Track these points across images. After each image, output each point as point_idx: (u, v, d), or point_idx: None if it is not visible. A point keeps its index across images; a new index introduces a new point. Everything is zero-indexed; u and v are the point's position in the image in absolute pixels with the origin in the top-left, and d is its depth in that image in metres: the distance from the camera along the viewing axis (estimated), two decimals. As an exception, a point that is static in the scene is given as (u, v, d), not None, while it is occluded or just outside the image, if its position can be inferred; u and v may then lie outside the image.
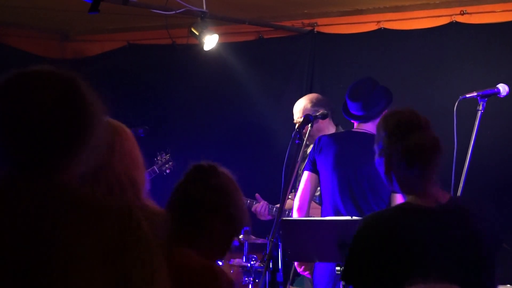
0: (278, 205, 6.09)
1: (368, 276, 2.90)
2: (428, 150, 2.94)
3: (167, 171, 6.81)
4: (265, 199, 6.28)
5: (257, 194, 6.19)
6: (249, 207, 6.04)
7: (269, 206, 6.16)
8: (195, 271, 2.73)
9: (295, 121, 6.08)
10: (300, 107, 6.09)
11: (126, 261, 1.97)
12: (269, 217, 6.12)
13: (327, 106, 6.05)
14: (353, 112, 5.25)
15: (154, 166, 6.72)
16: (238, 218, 2.88)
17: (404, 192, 3.03)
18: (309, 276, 5.45)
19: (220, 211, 2.81)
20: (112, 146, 3.17)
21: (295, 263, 5.31)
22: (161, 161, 6.80)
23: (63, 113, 2.13)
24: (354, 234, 2.97)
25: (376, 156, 3.07)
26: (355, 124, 5.31)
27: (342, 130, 5.80)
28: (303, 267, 5.30)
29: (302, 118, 5.06)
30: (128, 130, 3.25)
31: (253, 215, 6.14)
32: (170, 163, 6.84)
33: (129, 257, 1.98)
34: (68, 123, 2.12)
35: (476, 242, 2.97)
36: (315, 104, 6.05)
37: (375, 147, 3.07)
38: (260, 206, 6.15)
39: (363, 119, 5.22)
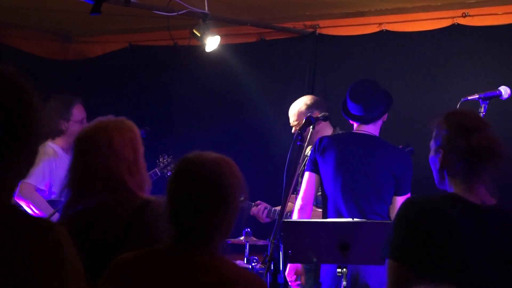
0: (277, 207, 6.12)
1: (414, 251, 2.87)
2: (489, 151, 2.97)
3: (169, 173, 6.80)
4: (266, 200, 6.28)
5: (258, 201, 6.19)
6: (248, 210, 6.04)
7: (267, 209, 6.16)
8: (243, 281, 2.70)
9: (291, 124, 6.09)
10: (295, 110, 6.10)
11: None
12: (268, 220, 6.12)
13: (322, 108, 6.06)
14: (354, 112, 5.25)
15: (156, 169, 6.71)
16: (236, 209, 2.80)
17: (452, 187, 3.03)
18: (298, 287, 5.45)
19: (216, 208, 2.74)
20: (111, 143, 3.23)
21: (287, 273, 5.30)
22: (163, 163, 6.80)
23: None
24: (399, 213, 2.95)
25: (432, 153, 3.09)
26: (355, 125, 5.30)
27: (340, 132, 5.78)
28: (294, 277, 5.30)
29: (304, 120, 5.04)
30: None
31: (252, 217, 6.14)
32: (172, 165, 6.82)
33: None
34: (6, 120, 1.95)
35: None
36: (310, 106, 6.06)
37: (432, 143, 3.09)
38: (258, 210, 6.14)
39: (364, 121, 5.21)
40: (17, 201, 6.13)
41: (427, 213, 2.89)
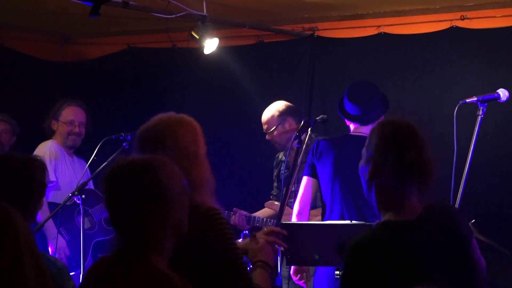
0: (256, 214, 6.17)
1: None
2: (422, 169, 2.91)
3: None
4: (262, 203, 6.31)
5: (234, 208, 6.19)
6: (228, 219, 6.04)
7: (246, 217, 6.16)
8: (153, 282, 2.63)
9: (264, 131, 6.13)
10: (268, 117, 6.13)
11: None
12: (247, 227, 6.11)
13: (295, 114, 6.09)
14: (352, 113, 5.25)
15: None
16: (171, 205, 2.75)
17: (379, 204, 2.98)
18: (304, 286, 5.45)
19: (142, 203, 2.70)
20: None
21: (291, 272, 5.30)
22: None
23: None
24: (346, 262, 2.87)
25: (362, 162, 3.04)
26: (352, 127, 5.30)
27: (314, 136, 5.74)
28: (299, 275, 5.30)
29: (303, 122, 5.04)
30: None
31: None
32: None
33: None
34: None
35: (461, 244, 2.98)
36: (282, 113, 6.10)
37: (364, 152, 3.03)
38: (237, 218, 6.14)
39: (362, 122, 5.21)
40: None
41: (380, 256, 2.80)
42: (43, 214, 6.01)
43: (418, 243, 2.86)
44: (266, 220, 6.10)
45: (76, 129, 6.56)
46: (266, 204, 6.31)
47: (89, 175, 6.23)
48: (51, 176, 6.32)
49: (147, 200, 2.68)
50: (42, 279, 2.04)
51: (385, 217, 2.95)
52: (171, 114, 3.51)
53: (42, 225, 5.68)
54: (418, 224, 2.90)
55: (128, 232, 2.70)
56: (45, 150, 6.43)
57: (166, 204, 2.71)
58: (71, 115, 6.58)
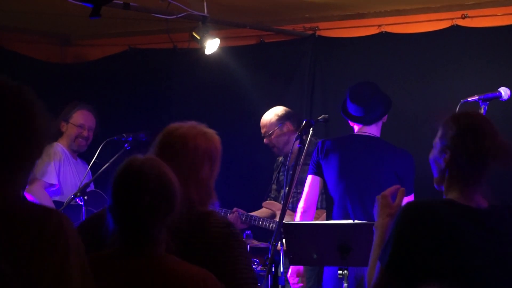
0: (253, 213, 6.18)
1: (413, 264, 2.83)
2: (499, 154, 2.96)
3: None
4: (261, 203, 6.33)
5: (235, 208, 6.22)
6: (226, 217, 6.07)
7: (244, 217, 6.17)
8: (191, 277, 2.72)
9: (262, 135, 6.15)
10: (266, 121, 6.18)
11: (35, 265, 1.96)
12: (242, 226, 6.14)
13: (293, 118, 6.14)
14: (355, 114, 5.25)
15: None
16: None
17: (448, 188, 3.02)
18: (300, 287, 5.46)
19: (160, 213, 2.77)
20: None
21: (289, 274, 5.30)
22: None
23: (3, 124, 2.11)
24: (398, 217, 2.89)
25: (435, 153, 3.05)
26: (356, 127, 5.31)
27: (315, 141, 5.73)
28: (296, 279, 5.30)
29: (304, 122, 5.04)
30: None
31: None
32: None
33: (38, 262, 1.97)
34: (8, 135, 2.11)
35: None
36: (280, 117, 6.16)
37: (437, 142, 3.05)
38: (234, 217, 6.16)
39: (366, 122, 5.22)
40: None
41: (426, 219, 2.85)
42: None
43: (468, 228, 2.89)
44: (264, 220, 6.11)
45: (85, 133, 6.56)
46: (264, 204, 6.33)
47: (91, 176, 6.22)
48: (54, 179, 6.33)
49: (167, 213, 2.78)
50: (87, 282, 2.09)
51: (450, 196, 2.99)
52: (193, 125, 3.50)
53: None
54: (477, 213, 2.94)
55: (142, 237, 2.77)
56: (50, 151, 6.44)
57: (170, 208, 2.79)
58: (81, 119, 6.59)
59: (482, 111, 4.74)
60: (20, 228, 1.99)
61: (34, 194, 6.20)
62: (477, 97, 4.77)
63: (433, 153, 3.06)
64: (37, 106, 2.20)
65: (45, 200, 6.17)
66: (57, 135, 6.57)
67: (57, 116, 6.49)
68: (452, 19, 6.84)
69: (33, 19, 7.60)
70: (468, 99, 4.79)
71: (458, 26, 6.80)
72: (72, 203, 5.78)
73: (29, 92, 2.23)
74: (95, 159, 5.96)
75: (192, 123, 3.47)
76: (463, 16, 6.79)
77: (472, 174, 2.96)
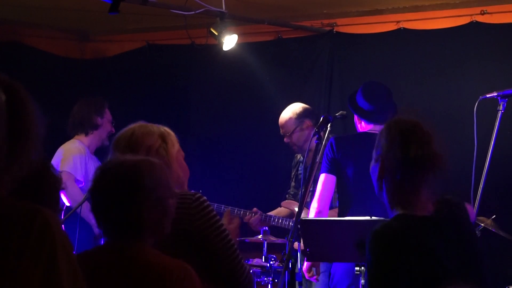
0: (270, 213, 6.17)
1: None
2: (428, 163, 2.94)
3: None
4: (279, 202, 6.32)
5: (255, 209, 6.20)
6: (242, 217, 6.04)
7: (261, 217, 6.16)
8: (168, 270, 2.75)
9: (281, 133, 6.13)
10: (285, 120, 6.13)
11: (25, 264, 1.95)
12: (262, 226, 6.11)
13: (312, 116, 6.09)
14: (368, 110, 5.24)
15: None
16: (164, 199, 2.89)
17: (390, 202, 3.04)
18: (315, 281, 5.45)
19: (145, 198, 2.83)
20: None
21: (304, 268, 5.29)
22: None
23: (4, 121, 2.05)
24: (369, 249, 2.96)
25: (372, 162, 3.09)
26: (365, 124, 5.28)
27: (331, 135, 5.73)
28: (311, 272, 5.30)
29: (322, 118, 5.03)
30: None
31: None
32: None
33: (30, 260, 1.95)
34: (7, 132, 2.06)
35: (471, 239, 3.05)
36: (299, 115, 6.11)
37: (373, 152, 3.09)
38: (255, 219, 6.14)
39: (378, 120, 5.20)
40: None
41: (398, 243, 2.89)
42: (77, 200, 6.06)
43: (430, 234, 2.93)
44: (283, 219, 6.10)
45: (113, 130, 6.60)
46: (282, 203, 6.32)
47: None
48: (79, 175, 6.36)
49: (133, 200, 2.82)
50: (77, 285, 2.07)
51: (398, 212, 3.01)
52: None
53: (65, 220, 5.69)
54: (430, 218, 2.96)
55: (116, 227, 2.85)
56: (74, 147, 6.48)
57: (149, 205, 2.83)
58: (110, 115, 6.64)
59: (501, 107, 4.71)
60: (5, 228, 1.96)
61: (66, 188, 6.24)
62: (495, 94, 4.74)
63: (371, 164, 3.11)
64: (30, 104, 2.13)
65: (72, 191, 6.22)
66: (90, 129, 6.58)
67: (88, 111, 6.53)
68: (471, 15, 6.81)
69: (52, 15, 7.63)
70: (487, 96, 4.76)
71: (477, 22, 6.77)
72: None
73: (22, 89, 2.19)
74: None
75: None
76: (482, 12, 6.76)
77: (405, 182, 2.96)
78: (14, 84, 2.12)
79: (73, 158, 6.41)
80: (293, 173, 6.43)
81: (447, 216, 3.01)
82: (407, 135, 2.98)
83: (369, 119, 5.26)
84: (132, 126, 3.50)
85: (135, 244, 2.81)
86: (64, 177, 6.25)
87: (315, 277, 5.34)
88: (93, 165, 6.56)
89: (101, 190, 2.88)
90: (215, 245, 3.30)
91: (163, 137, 3.54)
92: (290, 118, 6.11)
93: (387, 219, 3.14)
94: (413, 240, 2.90)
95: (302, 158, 6.26)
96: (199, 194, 3.36)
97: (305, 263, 5.28)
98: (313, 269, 5.29)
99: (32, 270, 1.94)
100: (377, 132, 5.16)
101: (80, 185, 6.37)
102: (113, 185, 2.84)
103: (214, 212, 3.35)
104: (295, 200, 6.28)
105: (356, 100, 5.30)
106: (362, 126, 5.30)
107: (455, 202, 3.11)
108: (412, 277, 2.86)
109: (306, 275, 5.30)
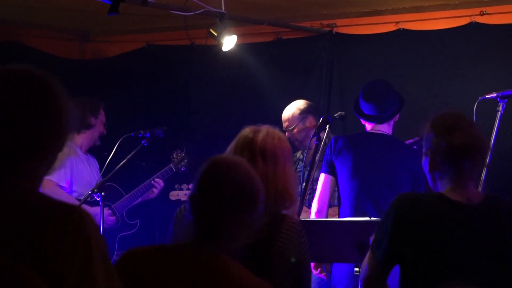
0: None
1: (393, 252, 3.04)
2: (470, 148, 3.03)
3: (182, 169, 6.83)
4: None
5: None
6: None
7: None
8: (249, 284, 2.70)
9: (284, 129, 6.13)
10: (288, 115, 6.14)
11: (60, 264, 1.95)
12: None
13: (315, 112, 6.10)
14: (367, 112, 5.26)
15: (171, 164, 6.75)
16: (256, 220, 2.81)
17: (442, 186, 3.12)
18: (324, 278, 5.45)
19: (242, 210, 2.75)
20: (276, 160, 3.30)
21: (311, 265, 5.30)
22: (177, 158, 6.83)
23: (29, 114, 2.08)
24: (387, 210, 3.08)
25: (423, 157, 3.18)
26: (368, 126, 5.31)
27: (332, 135, 5.73)
28: (319, 269, 5.30)
29: (321, 118, 5.04)
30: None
31: None
32: (186, 160, 6.86)
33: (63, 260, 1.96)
34: (33, 125, 2.08)
35: (501, 240, 3.03)
36: (303, 111, 6.11)
37: (423, 147, 3.18)
38: None
39: (378, 120, 5.23)
40: None
41: (413, 211, 3.01)
42: None
43: (452, 222, 2.99)
44: None
45: (105, 132, 6.60)
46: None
47: (107, 172, 6.25)
48: (63, 181, 6.33)
49: (248, 212, 2.76)
50: (111, 283, 2.07)
51: (443, 191, 3.10)
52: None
53: None
54: (464, 208, 3.02)
55: (217, 234, 2.74)
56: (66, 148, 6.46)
57: (257, 218, 2.79)
58: (104, 117, 6.63)
59: (500, 108, 4.72)
60: (41, 225, 1.96)
61: (51, 193, 6.21)
62: (495, 94, 4.75)
63: (422, 159, 3.20)
64: (63, 97, 2.19)
65: (63, 197, 6.20)
66: (82, 128, 6.57)
67: (83, 110, 6.51)
68: (470, 16, 6.81)
69: (52, 16, 7.63)
70: (486, 96, 4.77)
71: (476, 23, 6.77)
72: (89, 199, 5.81)
73: (56, 82, 2.20)
74: (112, 155, 5.98)
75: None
76: (481, 13, 6.76)
77: (453, 170, 3.05)
78: (47, 77, 2.19)
79: (57, 165, 6.36)
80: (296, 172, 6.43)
81: (487, 209, 3.05)
82: (450, 124, 3.09)
83: (369, 120, 5.28)
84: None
85: (212, 249, 2.71)
86: (46, 185, 6.25)
87: (323, 274, 5.35)
88: (85, 166, 6.54)
89: (208, 184, 2.76)
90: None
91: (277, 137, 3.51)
92: (294, 114, 6.12)
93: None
94: (433, 217, 2.99)
95: (301, 156, 6.26)
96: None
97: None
98: (323, 266, 5.29)
99: (68, 267, 1.94)
100: (378, 131, 5.22)
101: (65, 191, 6.33)
102: (228, 191, 2.73)
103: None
104: None
105: (358, 103, 5.32)
106: (367, 126, 5.33)
107: (502, 199, 3.14)
108: (410, 251, 2.97)
109: (314, 272, 5.31)
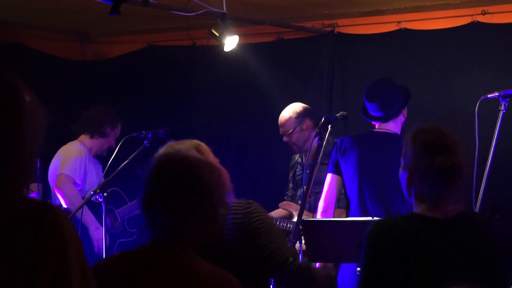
0: (271, 213, 6.15)
1: (381, 283, 2.97)
2: (451, 174, 2.99)
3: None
4: (277, 203, 6.31)
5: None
6: None
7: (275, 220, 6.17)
8: (210, 280, 2.67)
9: (281, 132, 6.12)
10: (285, 119, 6.12)
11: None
12: None
13: (312, 116, 6.08)
14: (372, 113, 5.25)
15: None
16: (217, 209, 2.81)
17: (416, 207, 3.09)
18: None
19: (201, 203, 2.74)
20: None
21: (317, 265, 5.29)
22: None
23: None
24: (364, 241, 3.03)
25: (400, 169, 3.14)
26: (375, 124, 5.31)
27: (332, 140, 5.71)
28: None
29: (323, 119, 5.03)
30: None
31: None
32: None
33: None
34: (4, 129, 2.01)
35: (478, 252, 3.02)
36: (299, 115, 6.10)
37: (401, 160, 3.14)
38: None
39: (382, 119, 5.22)
40: (55, 192, 6.29)
41: (389, 236, 2.97)
42: (74, 203, 6.07)
43: (435, 240, 2.96)
44: (281, 220, 6.09)
45: (113, 146, 6.62)
46: (280, 204, 6.31)
47: (109, 173, 6.26)
48: (78, 178, 6.36)
49: (199, 210, 2.74)
50: (86, 284, 2.06)
51: (418, 208, 3.07)
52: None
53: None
54: (442, 221, 3.00)
55: (171, 233, 2.73)
56: (75, 149, 6.49)
57: (213, 216, 2.78)
58: (119, 132, 6.71)
59: (502, 107, 4.71)
60: (17, 225, 1.95)
61: (61, 187, 6.27)
62: (497, 94, 4.74)
63: (400, 170, 3.15)
64: (23, 94, 2.10)
65: (70, 193, 6.24)
66: (95, 134, 6.58)
67: (103, 117, 6.54)
68: (472, 15, 6.80)
69: (53, 17, 7.63)
70: (488, 96, 4.76)
71: (478, 22, 6.76)
72: (92, 199, 5.82)
73: (14, 78, 2.12)
74: (114, 156, 5.98)
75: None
76: (483, 12, 6.76)
77: (432, 194, 3.01)
78: (15, 83, 2.10)
79: (73, 160, 6.42)
80: (290, 175, 6.42)
81: (463, 223, 3.04)
82: (432, 145, 3.03)
83: (375, 120, 5.28)
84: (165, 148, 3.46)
85: (178, 247, 2.70)
86: (63, 179, 6.31)
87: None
88: (93, 168, 6.56)
89: (160, 180, 2.75)
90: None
91: (198, 148, 3.49)
92: (290, 118, 6.10)
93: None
94: (410, 237, 2.95)
95: (300, 159, 6.26)
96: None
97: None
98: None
99: (42, 266, 1.93)
100: (385, 130, 5.21)
101: (78, 188, 6.36)
102: (174, 178, 2.72)
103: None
104: (293, 201, 6.28)
105: (364, 104, 5.32)
106: (376, 126, 5.33)
107: (476, 213, 3.14)
108: (400, 273, 2.91)
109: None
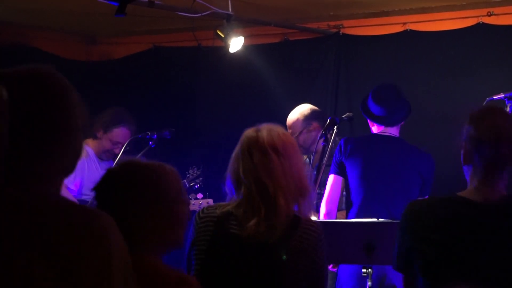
0: None
1: (412, 260, 3.00)
2: (498, 134, 2.94)
3: (196, 186, 6.76)
4: None
5: None
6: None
7: None
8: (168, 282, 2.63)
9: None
10: (292, 121, 6.09)
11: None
12: None
13: (320, 118, 6.05)
14: (378, 114, 5.24)
15: (185, 180, 6.70)
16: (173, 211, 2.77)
17: (469, 184, 3.06)
18: (333, 269, 5.44)
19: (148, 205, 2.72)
20: None
21: None
22: (192, 175, 6.79)
23: (39, 114, 2.06)
24: (401, 218, 3.08)
25: (459, 148, 3.10)
26: (377, 128, 5.29)
27: (339, 140, 5.70)
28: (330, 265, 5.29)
29: (329, 120, 5.03)
30: None
31: None
32: (200, 178, 6.79)
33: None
34: (44, 125, 2.05)
35: None
36: (307, 117, 6.06)
37: (460, 137, 3.08)
38: None
39: (388, 123, 5.21)
40: None
41: (423, 217, 2.99)
42: None
43: (473, 223, 2.94)
44: None
45: (117, 150, 6.49)
46: None
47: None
48: (71, 183, 6.32)
49: (146, 201, 2.71)
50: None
51: (466, 190, 3.04)
52: None
53: None
54: (479, 208, 2.96)
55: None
56: None
57: (166, 216, 2.74)
58: (120, 138, 6.48)
59: (507, 109, 4.72)
60: (62, 229, 1.94)
61: None
62: (502, 95, 4.75)
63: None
64: (70, 92, 2.17)
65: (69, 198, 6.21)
66: (87, 135, 6.53)
67: (95, 116, 6.47)
68: (477, 16, 6.80)
69: (58, 18, 7.64)
70: (494, 97, 4.77)
71: (483, 23, 6.76)
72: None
73: (62, 78, 2.22)
74: (119, 157, 5.98)
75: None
76: (488, 13, 6.75)
77: (481, 166, 2.97)
78: (66, 84, 2.17)
79: None
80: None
81: (503, 207, 2.98)
82: (481, 113, 3.02)
83: (379, 122, 5.27)
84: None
85: (140, 252, 2.64)
86: None
87: (335, 269, 5.33)
88: (99, 168, 6.54)
89: (106, 186, 2.80)
90: None
91: None
92: (298, 119, 6.08)
93: (395, 221, 3.19)
94: (440, 219, 2.96)
95: (307, 159, 6.25)
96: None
97: None
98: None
99: (86, 276, 1.93)
100: (388, 133, 5.21)
101: (72, 193, 6.32)
102: (120, 182, 2.76)
103: None
104: None
105: (367, 104, 5.31)
106: (375, 128, 5.31)
107: None
108: (431, 251, 2.93)
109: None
